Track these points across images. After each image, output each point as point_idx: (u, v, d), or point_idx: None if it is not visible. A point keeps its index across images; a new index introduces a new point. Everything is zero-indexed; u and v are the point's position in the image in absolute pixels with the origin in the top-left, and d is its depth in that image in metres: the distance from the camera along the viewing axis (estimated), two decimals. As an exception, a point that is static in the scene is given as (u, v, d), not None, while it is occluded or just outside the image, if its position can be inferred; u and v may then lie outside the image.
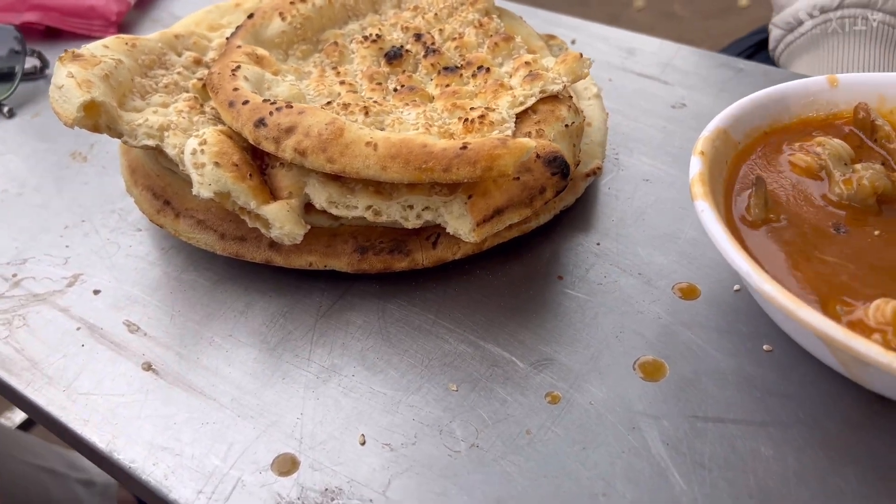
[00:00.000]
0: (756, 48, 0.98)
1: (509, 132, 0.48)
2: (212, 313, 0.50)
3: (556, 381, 0.45)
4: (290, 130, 0.45)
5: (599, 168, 0.56)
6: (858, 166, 0.48)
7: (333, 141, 0.44)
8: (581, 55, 0.53)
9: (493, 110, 0.49)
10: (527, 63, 0.54)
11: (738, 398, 0.43)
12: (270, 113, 0.46)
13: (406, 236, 0.49)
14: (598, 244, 0.53)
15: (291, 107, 0.47)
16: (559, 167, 0.48)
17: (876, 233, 0.45)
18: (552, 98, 0.52)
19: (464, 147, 0.43)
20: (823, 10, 0.81)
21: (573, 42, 0.77)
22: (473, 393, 0.45)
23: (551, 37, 0.66)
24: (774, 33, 0.88)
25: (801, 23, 0.84)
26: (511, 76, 0.54)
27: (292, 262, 0.49)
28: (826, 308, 0.41)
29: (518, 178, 0.47)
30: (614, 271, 0.51)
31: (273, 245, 0.49)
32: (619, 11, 2.81)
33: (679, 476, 0.40)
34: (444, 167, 0.43)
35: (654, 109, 0.67)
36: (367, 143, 0.44)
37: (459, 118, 0.49)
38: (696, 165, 0.46)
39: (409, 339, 0.48)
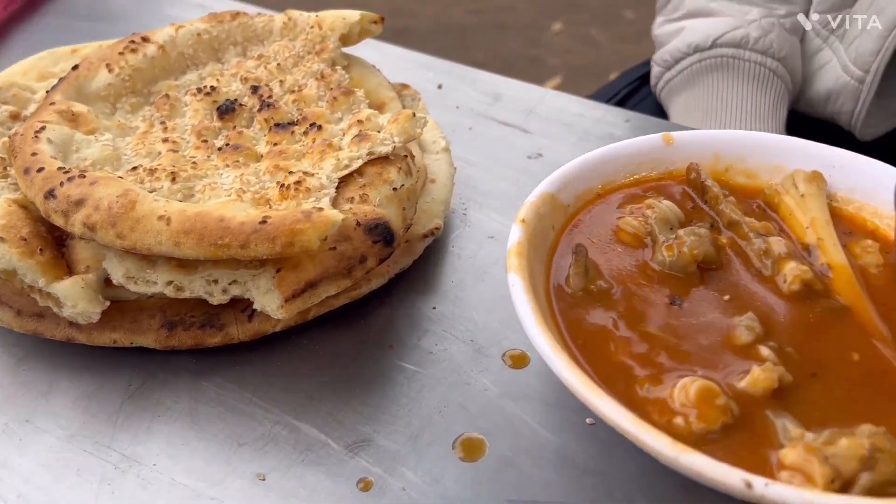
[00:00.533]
0: (643, 80, 0.99)
1: (327, 199, 0.46)
2: (11, 395, 0.47)
3: (371, 464, 0.43)
4: (79, 203, 0.42)
5: (438, 228, 0.54)
6: (682, 232, 0.47)
7: (124, 215, 0.41)
8: (413, 114, 0.52)
9: (313, 175, 0.47)
10: (359, 121, 0.52)
11: (555, 478, 0.42)
12: (61, 183, 0.43)
13: (219, 309, 0.46)
14: (435, 308, 0.52)
15: (84, 176, 0.43)
16: (381, 235, 0.46)
17: (686, 305, 0.44)
18: (382, 159, 0.50)
19: (263, 221, 0.41)
20: (698, 49, 0.82)
21: (440, 87, 0.76)
22: (282, 482, 0.42)
23: (404, 86, 0.65)
24: (655, 70, 0.89)
25: (678, 61, 0.85)
26: (344, 134, 0.52)
27: (95, 339, 0.46)
28: (632, 387, 0.40)
29: (334, 248, 0.45)
30: (447, 338, 0.50)
31: (73, 322, 0.46)
32: (537, 35, 2.84)
33: (484, 570, 0.38)
34: (241, 243, 0.40)
35: (510, 160, 0.66)
36: (160, 217, 0.41)
37: (278, 182, 0.47)
38: (514, 235, 0.45)
39: (220, 421, 0.45)
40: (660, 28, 0.89)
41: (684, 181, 0.52)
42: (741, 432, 0.38)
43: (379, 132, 0.51)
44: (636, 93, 0.97)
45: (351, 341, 0.49)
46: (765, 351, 0.41)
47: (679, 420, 0.38)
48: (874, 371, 0.41)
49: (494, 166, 0.65)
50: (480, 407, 0.46)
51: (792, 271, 0.45)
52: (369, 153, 0.49)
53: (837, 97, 0.80)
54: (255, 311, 0.46)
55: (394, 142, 0.50)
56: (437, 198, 0.56)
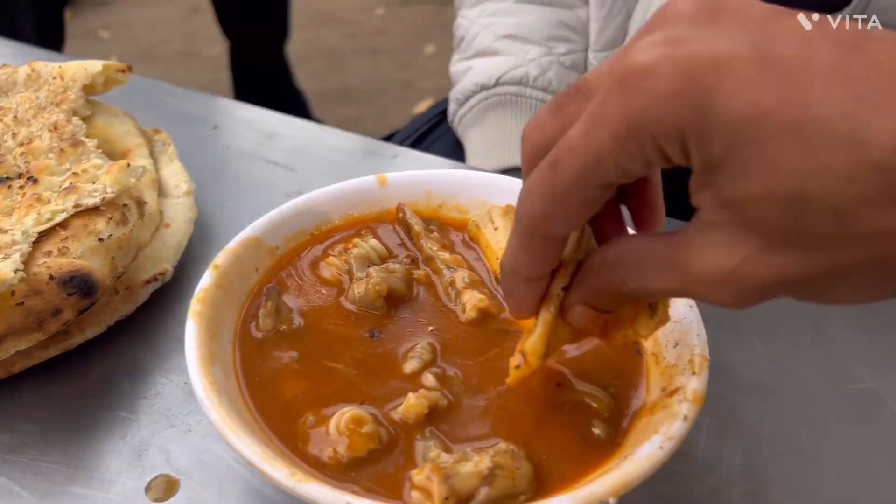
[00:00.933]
0: (443, 115, 1.03)
1: (17, 255, 0.47)
2: None
3: (58, 513, 0.44)
4: None
5: (163, 273, 0.56)
6: (372, 269, 0.50)
7: None
8: (129, 165, 0.53)
9: (6, 232, 0.48)
10: (75, 174, 0.54)
11: (238, 512, 0.44)
12: None
13: (-88, 369, 0.47)
14: (156, 353, 0.53)
15: None
16: (78, 286, 0.47)
17: (375, 340, 0.47)
18: (91, 211, 0.51)
19: (-73, 284, 0.42)
20: (484, 87, 0.87)
21: (215, 127, 0.78)
22: (-36, 537, 0.43)
23: (157, 131, 0.66)
24: (451, 107, 0.93)
25: (468, 98, 0.89)
26: (61, 187, 0.53)
27: None
28: (296, 422, 0.43)
29: (22, 304, 0.46)
30: (162, 382, 0.51)
31: None
32: (410, 58, 2.89)
33: None
34: None
35: (268, 200, 0.68)
36: None
37: (-27, 241, 0.48)
38: (203, 281, 0.47)
39: None
40: (454, 66, 0.94)
41: (395, 220, 0.56)
42: (388, 458, 0.41)
43: (95, 182, 0.53)
44: (437, 127, 1.01)
45: (64, 392, 0.50)
46: (428, 378, 0.44)
47: (331, 450, 0.41)
48: (524, 391, 0.45)
49: (251, 207, 0.67)
50: (181, 448, 0.47)
51: (470, 300, 0.49)
52: (76, 205, 0.51)
53: None
54: (-50, 368, 0.47)
55: (105, 193, 0.52)
56: (168, 242, 0.57)
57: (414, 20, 3.25)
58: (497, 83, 0.86)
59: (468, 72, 0.89)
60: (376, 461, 0.41)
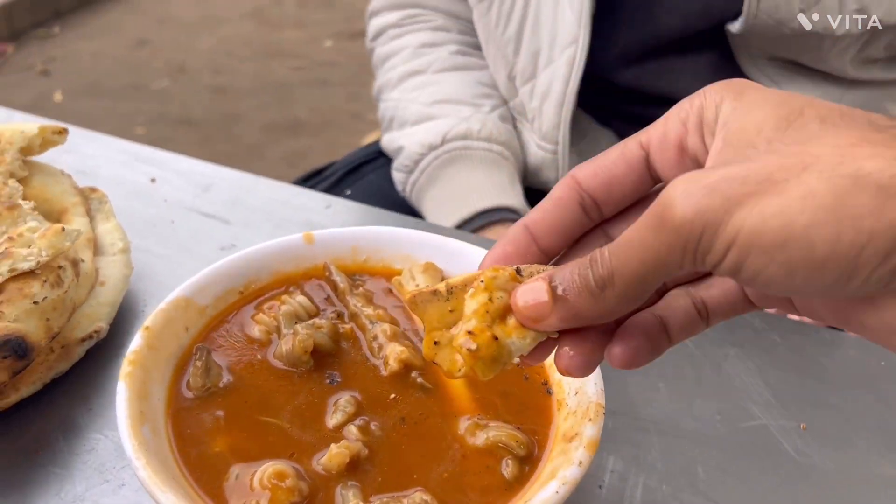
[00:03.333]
0: (380, 151, 1.06)
1: (-49, 322, 0.49)
2: None
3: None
4: None
5: (98, 331, 0.58)
6: (299, 325, 0.53)
7: None
8: (63, 229, 0.56)
9: (-61, 299, 0.50)
10: (10, 238, 0.56)
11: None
12: None
13: None
14: (90, 409, 0.55)
15: None
16: (12, 350, 0.49)
17: (302, 397, 0.50)
18: (26, 274, 0.53)
19: None
20: (433, 148, 0.90)
21: (153, 180, 0.80)
22: None
23: (93, 189, 0.69)
24: (398, 177, 0.95)
25: (417, 163, 0.92)
26: (-4, 251, 0.55)
27: None
28: (222, 476, 0.45)
29: (-43, 369, 0.48)
30: (97, 438, 0.53)
31: None
32: (358, 90, 2.93)
33: None
34: None
35: (203, 253, 0.71)
36: None
37: None
38: (134, 343, 0.49)
39: None
40: (389, 144, 0.95)
41: (323, 276, 0.59)
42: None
43: (30, 246, 0.55)
44: (374, 160, 1.04)
45: (3, 450, 0.52)
46: (350, 430, 0.48)
47: (255, 503, 0.44)
48: (439, 437, 0.48)
49: (186, 260, 0.70)
50: (114, 502, 0.49)
51: (392, 352, 0.52)
52: (10, 270, 0.53)
53: (542, 169, 0.91)
54: None
55: (40, 257, 0.54)
56: (103, 300, 0.60)
57: (362, 52, 3.30)
58: (444, 141, 0.89)
59: (412, 137, 0.92)
60: (298, 512, 0.44)
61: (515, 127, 0.95)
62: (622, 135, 0.98)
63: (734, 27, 0.78)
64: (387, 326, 0.54)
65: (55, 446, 0.53)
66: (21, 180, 0.64)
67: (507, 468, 0.46)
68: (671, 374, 0.60)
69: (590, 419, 0.46)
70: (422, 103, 0.92)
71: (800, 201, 0.29)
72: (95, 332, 0.57)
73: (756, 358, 0.62)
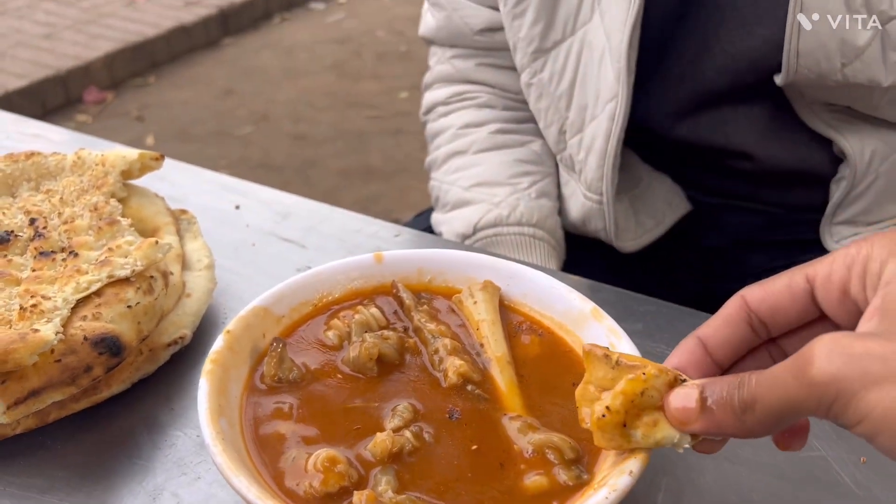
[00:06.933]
0: None
1: (58, 319, 0.54)
2: None
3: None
4: None
5: (183, 337, 0.62)
6: (367, 335, 0.57)
7: None
8: (157, 242, 0.61)
9: (50, 298, 0.56)
10: (110, 249, 0.61)
11: (237, 552, 0.49)
12: None
13: (-40, 416, 0.53)
14: (172, 409, 0.60)
15: None
16: (108, 347, 0.54)
17: (359, 400, 0.53)
18: (122, 281, 0.59)
19: (-18, 342, 0.49)
20: (466, 237, 0.93)
21: (237, 207, 0.86)
22: (-4, 566, 0.48)
23: (183, 211, 0.74)
24: None
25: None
26: (97, 260, 0.61)
27: None
28: (280, 458, 0.48)
29: (60, 361, 0.53)
30: (177, 434, 0.58)
31: None
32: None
33: None
34: (-39, 361, 0.48)
35: (280, 274, 0.75)
36: None
37: (20, 305, 0.55)
38: (216, 344, 0.54)
39: (-48, 516, 0.51)
40: (435, 225, 1.00)
41: (391, 293, 0.63)
42: (354, 492, 0.46)
43: (127, 257, 0.60)
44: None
45: (91, 441, 0.57)
46: (405, 434, 0.50)
47: (307, 484, 0.47)
48: (490, 445, 0.50)
49: (264, 279, 0.74)
50: (191, 493, 0.53)
51: (452, 365, 0.55)
52: (109, 276, 0.58)
53: (589, 219, 0.93)
54: (-7, 416, 0.54)
55: (135, 266, 0.59)
56: (188, 310, 0.64)
57: (436, 103, 3.40)
58: (475, 230, 0.93)
59: (449, 224, 0.95)
60: (345, 494, 0.46)
61: (560, 176, 0.97)
62: (679, 180, 0.99)
63: (778, 80, 0.79)
64: (448, 341, 0.57)
65: (139, 440, 0.57)
66: (121, 200, 0.70)
67: (558, 474, 0.48)
68: (728, 402, 0.61)
69: (642, 432, 0.47)
70: (461, 187, 0.95)
71: None
72: (180, 338, 0.62)
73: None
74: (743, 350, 0.45)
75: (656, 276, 1.06)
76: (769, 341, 0.45)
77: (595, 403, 0.44)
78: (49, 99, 3.20)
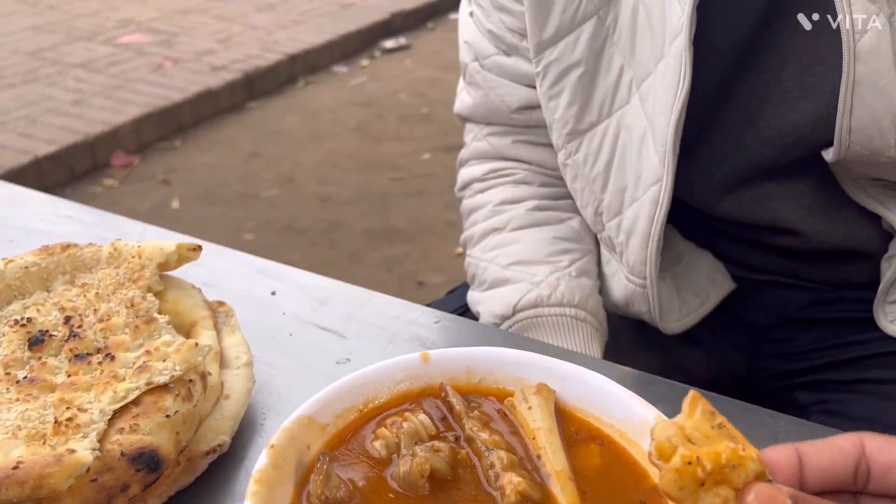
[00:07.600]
0: None
1: (94, 434, 0.52)
2: None
3: None
4: None
5: (222, 445, 0.59)
6: (418, 448, 0.53)
7: None
8: (196, 344, 0.59)
9: (86, 410, 0.53)
10: (148, 352, 0.59)
11: None
12: None
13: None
14: (210, 523, 0.56)
15: None
16: (146, 463, 0.52)
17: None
18: (160, 388, 0.56)
19: (16, 466, 0.46)
20: (505, 318, 0.90)
21: (273, 293, 0.83)
22: None
23: (220, 303, 0.72)
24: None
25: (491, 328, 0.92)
26: (134, 364, 0.59)
27: None
28: None
29: (95, 480, 0.50)
30: (215, 554, 0.54)
31: None
32: (454, 199, 3.01)
33: None
34: (-7, 487, 0.45)
35: (320, 366, 0.72)
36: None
37: (55, 418, 0.53)
38: (260, 461, 0.51)
39: None
40: (472, 304, 0.96)
41: (438, 395, 0.60)
42: None
43: (165, 360, 0.58)
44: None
45: (124, 561, 0.53)
46: (466, 563, 0.47)
47: None
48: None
49: (303, 373, 0.72)
50: None
51: (510, 483, 0.51)
52: (147, 383, 0.56)
53: (632, 301, 0.90)
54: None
55: (173, 371, 0.57)
56: (227, 413, 0.62)
57: (459, 163, 3.41)
58: (515, 311, 0.89)
59: (487, 304, 0.92)
60: None
61: (601, 256, 0.95)
62: (721, 257, 0.96)
63: (827, 156, 0.76)
64: (503, 454, 0.53)
65: (176, 560, 0.54)
66: (157, 294, 0.68)
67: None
68: None
69: None
70: (499, 265, 0.92)
71: None
72: (219, 445, 0.59)
73: None
74: (832, 486, 0.42)
75: (702, 355, 1.02)
76: (858, 492, 0.43)
77: (680, 447, 0.41)
78: (77, 164, 3.25)
